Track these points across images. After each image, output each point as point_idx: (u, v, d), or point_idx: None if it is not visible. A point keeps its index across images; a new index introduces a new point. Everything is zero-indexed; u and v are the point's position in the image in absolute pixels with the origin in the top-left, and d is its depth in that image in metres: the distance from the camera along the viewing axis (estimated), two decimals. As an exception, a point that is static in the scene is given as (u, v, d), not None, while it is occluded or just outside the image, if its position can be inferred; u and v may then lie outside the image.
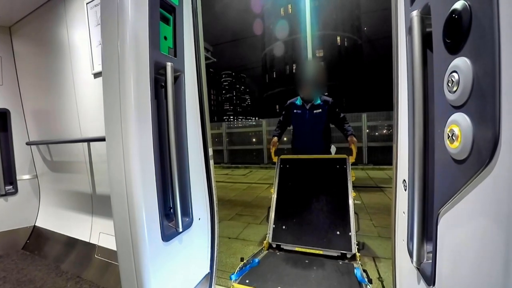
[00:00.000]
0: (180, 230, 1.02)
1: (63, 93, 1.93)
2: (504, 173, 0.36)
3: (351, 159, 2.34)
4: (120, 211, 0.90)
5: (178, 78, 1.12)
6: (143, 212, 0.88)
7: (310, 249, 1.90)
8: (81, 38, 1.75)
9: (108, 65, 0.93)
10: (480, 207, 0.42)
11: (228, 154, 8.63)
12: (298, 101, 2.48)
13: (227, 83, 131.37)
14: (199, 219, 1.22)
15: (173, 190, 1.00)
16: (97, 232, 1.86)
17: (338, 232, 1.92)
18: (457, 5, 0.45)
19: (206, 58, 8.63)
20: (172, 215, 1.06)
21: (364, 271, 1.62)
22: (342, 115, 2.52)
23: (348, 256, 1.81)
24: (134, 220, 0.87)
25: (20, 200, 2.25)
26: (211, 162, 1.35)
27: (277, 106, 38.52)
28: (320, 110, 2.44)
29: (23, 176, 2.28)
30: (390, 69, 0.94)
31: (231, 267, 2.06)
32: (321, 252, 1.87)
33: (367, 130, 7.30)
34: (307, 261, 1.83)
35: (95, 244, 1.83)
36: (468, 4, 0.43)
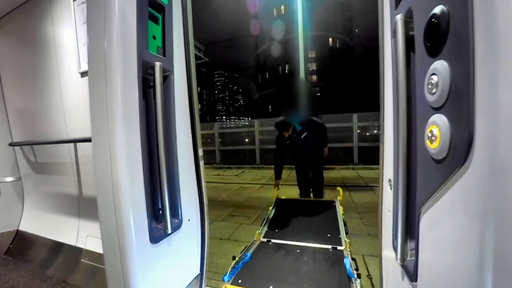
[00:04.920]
0: (169, 231, 1.01)
1: (49, 92, 1.87)
2: (477, 172, 0.38)
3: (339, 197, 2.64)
4: (106, 213, 0.89)
5: (167, 78, 1.11)
6: (130, 214, 0.86)
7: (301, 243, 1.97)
8: (67, 36, 1.71)
9: (94, 64, 0.91)
10: (457, 205, 0.44)
11: (221, 154, 8.59)
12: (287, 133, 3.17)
13: (220, 83, 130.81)
14: (189, 220, 1.21)
15: (162, 191, 0.99)
16: (84, 235, 1.81)
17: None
18: (436, 10, 0.47)
19: (198, 58, 8.57)
20: (161, 217, 1.04)
21: (353, 259, 1.67)
22: (322, 133, 3.16)
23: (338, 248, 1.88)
24: (121, 222, 0.86)
25: (2, 203, 2.17)
26: (201, 163, 1.34)
27: (270, 107, 38.67)
28: (306, 133, 3.02)
29: (5, 179, 2.19)
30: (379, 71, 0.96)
31: (223, 268, 2.05)
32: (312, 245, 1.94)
33: (358, 131, 7.43)
34: (298, 251, 1.87)
35: (82, 248, 1.78)
36: (447, 9, 0.45)
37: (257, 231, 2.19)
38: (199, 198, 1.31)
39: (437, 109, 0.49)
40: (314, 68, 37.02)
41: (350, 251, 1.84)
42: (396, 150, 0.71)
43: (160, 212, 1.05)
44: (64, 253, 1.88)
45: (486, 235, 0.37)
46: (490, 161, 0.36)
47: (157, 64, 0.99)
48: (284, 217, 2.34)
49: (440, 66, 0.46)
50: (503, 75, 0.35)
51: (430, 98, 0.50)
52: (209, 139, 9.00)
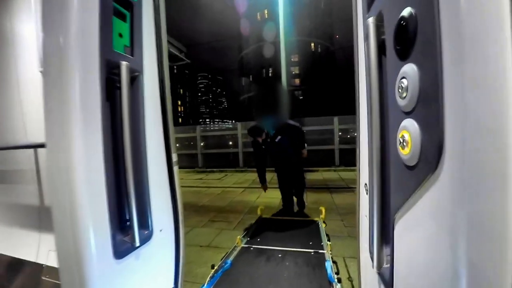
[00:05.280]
0: (137, 244, 0.93)
1: (5, 92, 1.69)
2: (448, 180, 0.37)
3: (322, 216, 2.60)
4: (62, 226, 0.79)
5: (136, 79, 1.03)
6: (89, 226, 0.78)
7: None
8: (27, 30, 1.56)
9: (49, 62, 0.82)
10: (429, 213, 0.42)
11: (203, 158, 8.41)
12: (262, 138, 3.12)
13: (203, 85, 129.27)
14: (161, 230, 1.13)
15: (128, 200, 0.91)
16: (45, 250, 1.64)
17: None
18: (405, 13, 0.46)
19: (179, 60, 8.38)
20: (128, 228, 0.96)
21: (334, 262, 1.67)
22: (303, 140, 3.17)
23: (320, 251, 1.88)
24: (79, 237, 0.77)
25: (-51, 216, 1.92)
26: (176, 168, 1.27)
27: (253, 110, 38.76)
28: (280, 137, 3.02)
29: (-46, 188, 1.95)
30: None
31: (202, 277, 1.96)
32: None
33: (340, 133, 7.64)
34: (280, 255, 1.84)
35: (43, 264, 1.61)
36: (414, 12, 0.44)
37: (239, 236, 2.14)
38: (173, 206, 1.23)
39: (407, 114, 0.47)
40: (297, 72, 37.82)
41: (331, 255, 1.85)
42: (371, 154, 0.71)
43: (128, 223, 0.97)
44: (22, 271, 1.69)
45: (458, 245, 0.36)
46: (460, 169, 0.35)
47: (124, 64, 0.91)
48: (264, 230, 2.31)
49: (409, 69, 0.45)
50: (470, 78, 0.34)
51: (401, 102, 0.49)
52: (192, 142, 8.79)
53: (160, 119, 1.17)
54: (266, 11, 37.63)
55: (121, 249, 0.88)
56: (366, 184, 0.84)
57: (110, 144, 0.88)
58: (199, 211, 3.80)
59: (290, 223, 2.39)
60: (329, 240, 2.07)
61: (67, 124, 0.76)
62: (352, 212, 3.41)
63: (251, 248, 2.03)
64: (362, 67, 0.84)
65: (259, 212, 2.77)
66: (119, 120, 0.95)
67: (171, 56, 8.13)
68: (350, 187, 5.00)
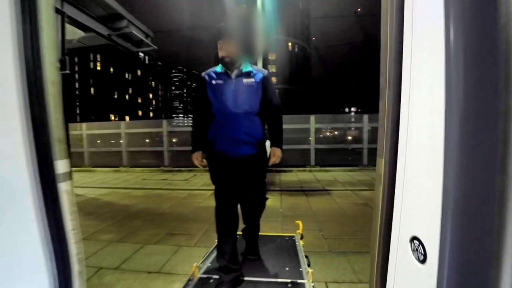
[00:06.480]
0: None
1: None
2: None
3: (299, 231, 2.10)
4: None
5: None
6: None
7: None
8: None
9: None
10: None
11: (170, 156, 7.63)
12: (219, 68, 1.55)
13: (177, 79, 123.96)
14: None
15: None
16: None
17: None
18: None
19: (145, 45, 7.46)
20: None
21: None
22: (278, 102, 1.58)
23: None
24: None
25: None
26: (67, 184, 0.73)
27: (230, 106, 38.01)
28: (253, 80, 1.50)
29: None
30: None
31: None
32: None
33: (316, 134, 7.44)
34: None
35: None
36: None
37: (195, 264, 1.64)
38: (57, 257, 0.69)
39: None
40: (274, 70, 37.83)
41: (313, 285, 1.46)
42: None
43: None
44: None
45: None
46: None
47: None
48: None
49: None
50: None
51: None
52: (157, 138, 7.94)
53: (22, 108, 0.62)
54: (245, 6, 36.91)
55: None
56: (415, 240, 0.41)
57: None
58: (156, 220, 3.19)
59: (261, 241, 1.95)
60: (309, 265, 1.67)
61: None
62: (331, 219, 3.09)
63: (211, 280, 1.55)
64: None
65: None
66: None
67: (135, 41, 7.17)
68: (326, 190, 4.76)
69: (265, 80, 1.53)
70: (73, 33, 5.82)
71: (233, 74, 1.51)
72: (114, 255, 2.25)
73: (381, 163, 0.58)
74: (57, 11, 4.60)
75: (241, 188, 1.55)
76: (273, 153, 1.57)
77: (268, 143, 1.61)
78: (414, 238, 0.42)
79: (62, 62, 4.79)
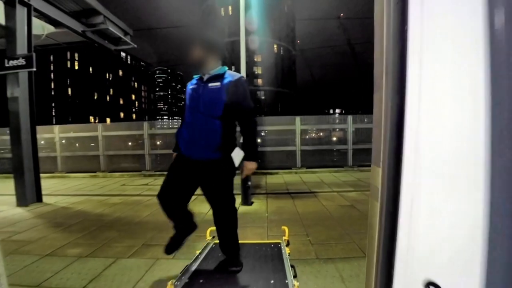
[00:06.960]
0: None
1: None
2: None
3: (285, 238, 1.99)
4: None
5: None
6: None
7: None
8: None
9: None
10: None
11: (152, 159, 7.29)
12: (197, 73, 1.61)
13: (161, 80, 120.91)
14: None
15: None
16: None
17: None
18: None
19: (124, 43, 7.11)
20: None
21: None
22: (249, 107, 1.51)
23: None
24: None
25: None
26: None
27: (216, 108, 37.56)
28: (218, 84, 1.47)
29: None
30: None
31: None
32: None
33: (302, 136, 7.42)
34: None
35: None
36: None
37: (170, 282, 1.47)
38: None
39: None
40: (259, 72, 37.91)
41: None
42: None
43: None
44: None
45: None
46: None
47: None
48: (213, 264, 1.69)
49: None
50: None
51: None
52: (140, 141, 7.57)
53: None
54: (230, 8, 36.78)
55: None
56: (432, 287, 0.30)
57: None
58: (133, 230, 2.96)
59: (245, 250, 1.82)
60: (295, 276, 1.56)
61: None
62: (318, 223, 3.01)
63: None
64: None
65: (208, 236, 2.13)
66: None
67: (113, 38, 6.79)
68: (313, 192, 4.71)
69: (231, 84, 1.48)
70: (43, 28, 5.40)
71: (205, 78, 1.54)
72: (81, 272, 2.01)
73: (378, 173, 0.47)
74: (22, 3, 4.22)
75: (204, 194, 1.58)
76: (245, 166, 1.55)
77: (236, 150, 1.54)
78: (430, 284, 0.30)
79: (28, 59, 4.39)
